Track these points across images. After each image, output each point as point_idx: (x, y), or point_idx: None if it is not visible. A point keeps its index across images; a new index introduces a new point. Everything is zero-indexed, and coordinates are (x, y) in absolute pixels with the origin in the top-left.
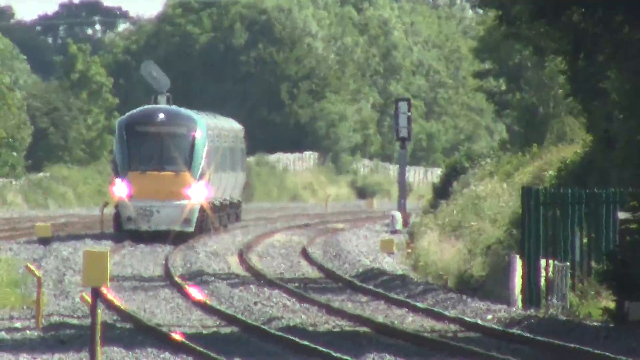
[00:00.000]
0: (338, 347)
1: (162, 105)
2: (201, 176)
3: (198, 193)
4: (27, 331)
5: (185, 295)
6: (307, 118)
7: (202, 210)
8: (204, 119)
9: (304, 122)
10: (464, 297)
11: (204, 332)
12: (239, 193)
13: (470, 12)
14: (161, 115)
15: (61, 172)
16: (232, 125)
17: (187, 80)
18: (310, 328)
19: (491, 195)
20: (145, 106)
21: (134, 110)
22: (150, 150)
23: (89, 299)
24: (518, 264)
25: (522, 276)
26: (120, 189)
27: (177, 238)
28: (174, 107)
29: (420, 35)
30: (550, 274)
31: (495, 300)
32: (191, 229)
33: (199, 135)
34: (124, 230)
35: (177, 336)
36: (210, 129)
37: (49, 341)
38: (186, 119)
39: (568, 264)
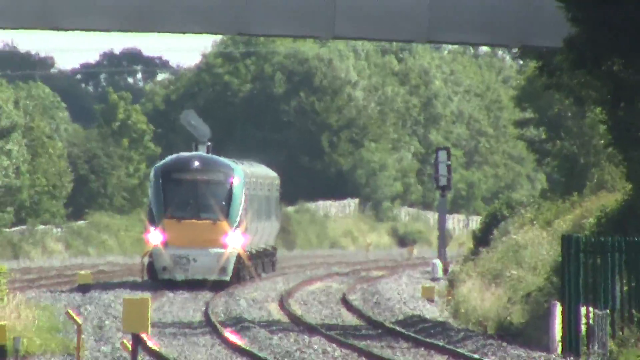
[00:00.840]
0: None
1: (199, 152)
2: (238, 224)
3: (235, 241)
4: None
5: (226, 342)
6: (347, 166)
7: (238, 258)
8: (240, 167)
9: (345, 171)
10: (504, 344)
11: None
12: (273, 241)
13: (510, 61)
14: (197, 162)
15: (102, 219)
16: (267, 173)
17: (227, 129)
18: None
19: (531, 243)
20: (181, 153)
21: (170, 157)
22: (187, 198)
23: (129, 345)
24: (558, 311)
25: (562, 323)
26: (155, 237)
27: (217, 285)
28: (211, 155)
29: (460, 85)
30: (590, 321)
31: (535, 347)
32: (227, 277)
33: (237, 182)
34: (159, 279)
35: None
36: (247, 176)
37: None
38: (223, 166)
39: (608, 311)
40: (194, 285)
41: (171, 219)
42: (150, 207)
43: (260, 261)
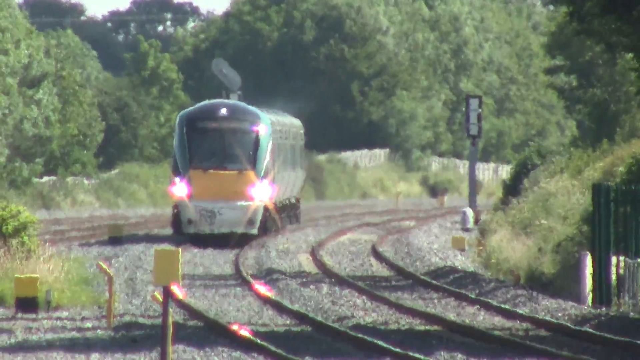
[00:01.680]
0: (409, 345)
1: (224, 100)
2: (265, 175)
3: (262, 193)
4: (99, 330)
5: (256, 294)
6: (378, 116)
7: (265, 210)
8: (267, 115)
9: (375, 120)
10: (535, 294)
11: (276, 330)
12: (298, 192)
13: (540, 7)
14: (223, 111)
15: (132, 170)
16: (292, 122)
17: (257, 78)
18: (381, 327)
19: (562, 192)
20: (207, 101)
21: (195, 105)
22: (212, 148)
23: (160, 297)
24: (589, 261)
25: (593, 273)
26: (180, 189)
27: (245, 238)
28: (237, 102)
29: (491, 32)
30: (621, 271)
31: (566, 297)
32: (255, 230)
33: (263, 131)
34: (184, 233)
35: (248, 334)
36: (274, 125)
37: (121, 340)
38: (249, 114)
39: (639, 260)
40: (223, 237)
41: (196, 170)
42: (175, 158)
43: (286, 214)
